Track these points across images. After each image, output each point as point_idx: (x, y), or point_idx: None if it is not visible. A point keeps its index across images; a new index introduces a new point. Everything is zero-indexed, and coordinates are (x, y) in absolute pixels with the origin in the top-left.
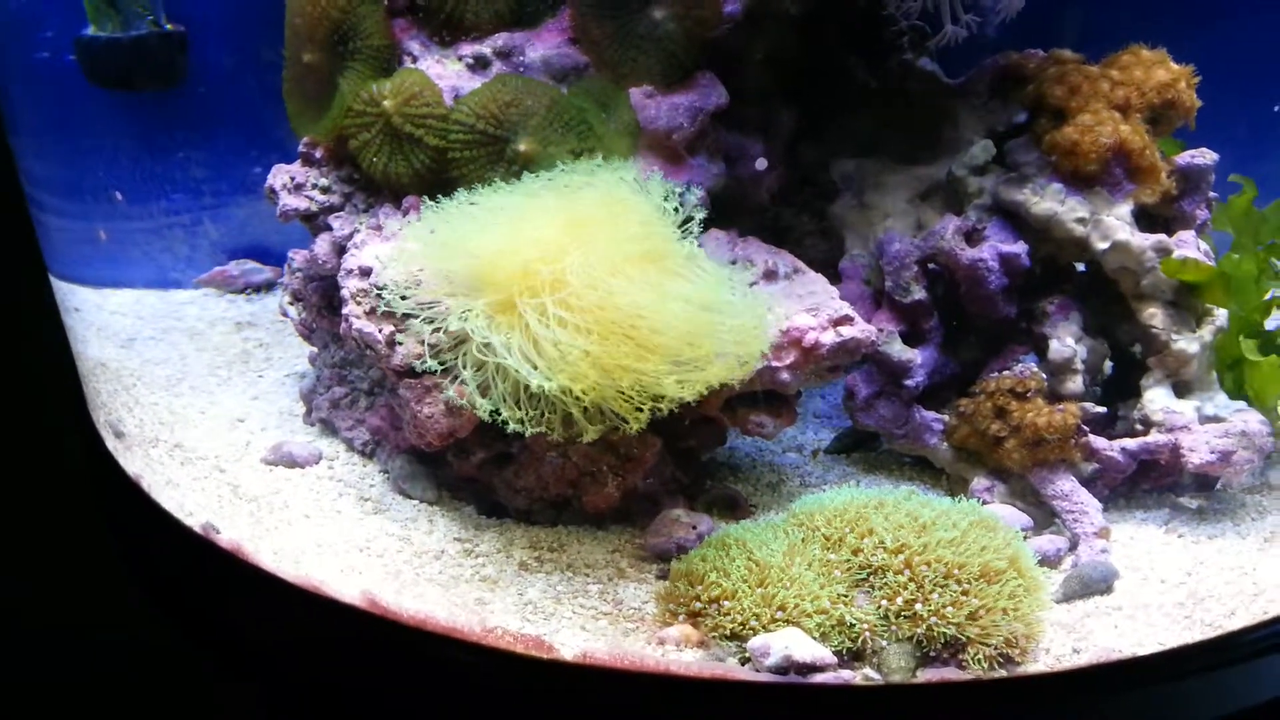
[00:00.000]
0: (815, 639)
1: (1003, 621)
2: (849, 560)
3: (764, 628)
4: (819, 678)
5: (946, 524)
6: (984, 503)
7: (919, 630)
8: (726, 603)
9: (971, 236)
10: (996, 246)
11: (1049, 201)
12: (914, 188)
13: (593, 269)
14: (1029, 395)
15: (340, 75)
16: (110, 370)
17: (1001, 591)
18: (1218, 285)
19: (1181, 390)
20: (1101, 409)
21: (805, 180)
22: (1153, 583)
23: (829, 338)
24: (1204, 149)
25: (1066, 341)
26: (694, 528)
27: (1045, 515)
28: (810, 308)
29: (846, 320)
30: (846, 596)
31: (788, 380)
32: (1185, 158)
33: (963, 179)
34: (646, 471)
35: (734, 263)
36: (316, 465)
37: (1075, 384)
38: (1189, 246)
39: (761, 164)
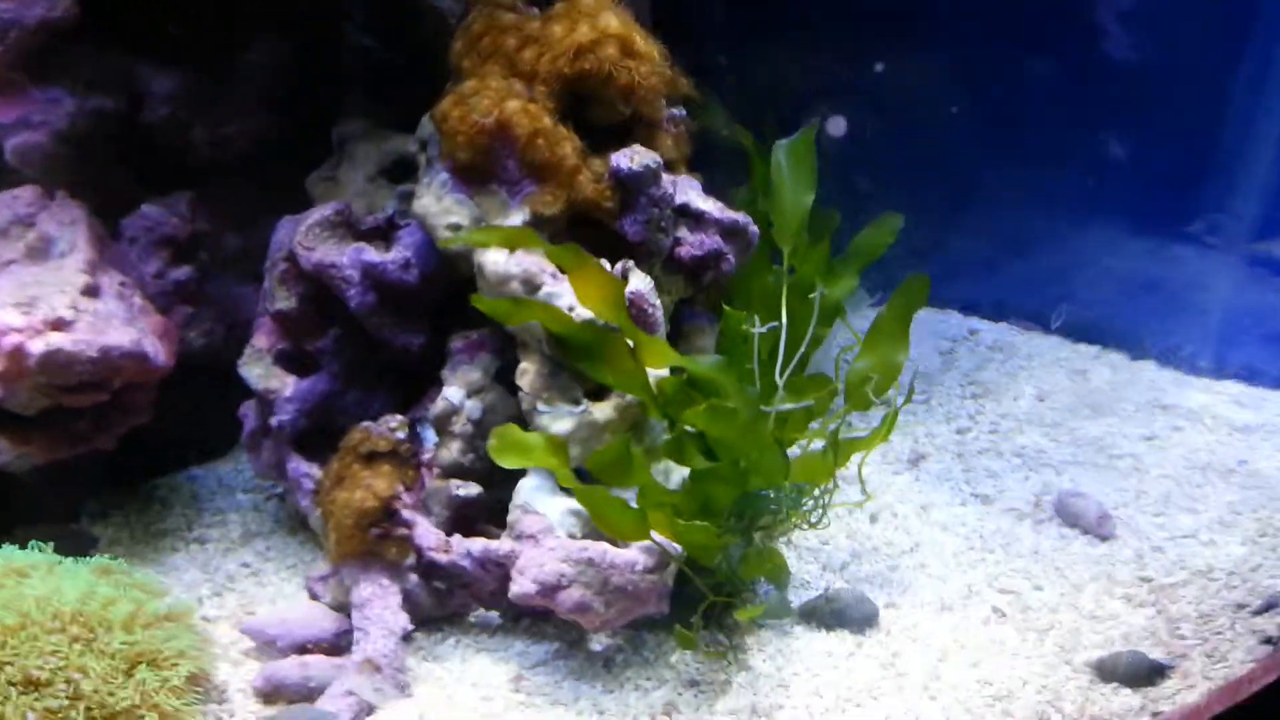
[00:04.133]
0: None
1: None
2: None
3: None
4: None
5: None
6: (313, 596)
7: None
8: None
9: (387, 233)
10: (360, 252)
11: (427, 197)
12: (380, 161)
13: None
14: (376, 459)
15: None
16: None
17: None
18: (591, 346)
19: None
20: (478, 489)
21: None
22: None
23: (38, 345)
24: (638, 147)
25: (452, 392)
26: None
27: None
28: (26, 301)
29: (61, 324)
30: None
31: (1, 396)
32: (618, 158)
33: (414, 155)
34: None
35: (4, 230)
36: None
37: (452, 450)
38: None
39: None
